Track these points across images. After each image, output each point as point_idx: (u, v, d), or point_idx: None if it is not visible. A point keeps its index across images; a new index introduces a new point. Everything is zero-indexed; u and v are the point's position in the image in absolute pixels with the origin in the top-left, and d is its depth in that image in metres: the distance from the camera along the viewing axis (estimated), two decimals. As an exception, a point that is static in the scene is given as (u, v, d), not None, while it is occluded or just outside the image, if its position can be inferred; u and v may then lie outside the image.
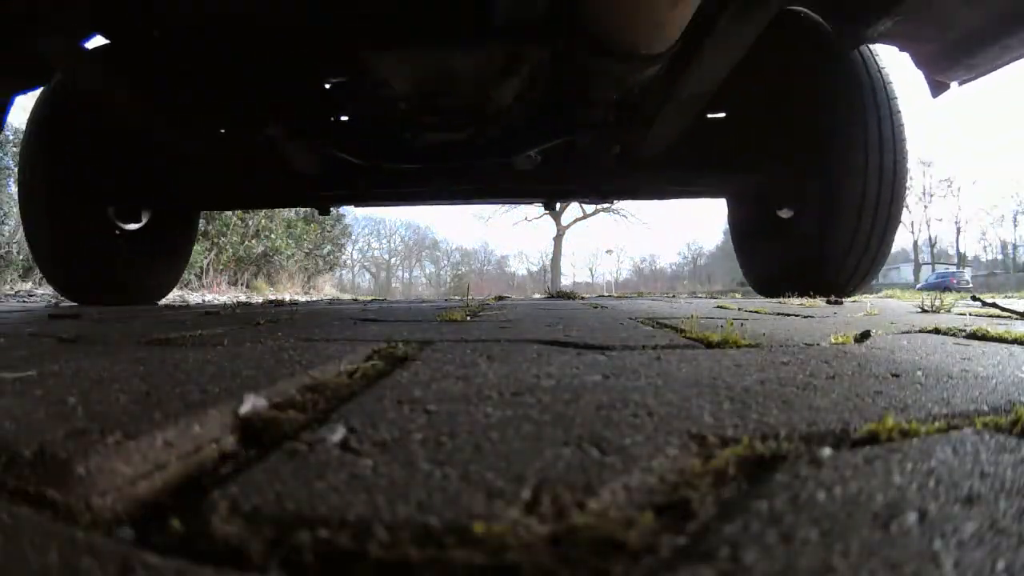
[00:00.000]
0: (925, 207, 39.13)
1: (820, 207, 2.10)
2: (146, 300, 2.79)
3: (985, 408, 0.54)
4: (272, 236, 7.68)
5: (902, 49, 1.81)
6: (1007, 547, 0.28)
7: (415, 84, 1.69)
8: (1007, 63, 1.53)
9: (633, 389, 0.62)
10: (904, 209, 2.17)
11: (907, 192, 2.09)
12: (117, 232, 2.41)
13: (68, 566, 0.27)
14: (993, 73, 1.55)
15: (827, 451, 0.42)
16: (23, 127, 2.30)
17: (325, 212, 2.98)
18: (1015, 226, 38.46)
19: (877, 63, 2.11)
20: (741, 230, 2.59)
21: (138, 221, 2.47)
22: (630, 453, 0.41)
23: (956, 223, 39.19)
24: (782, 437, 0.45)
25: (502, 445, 0.43)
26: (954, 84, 1.65)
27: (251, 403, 0.53)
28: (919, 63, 1.65)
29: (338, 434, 0.45)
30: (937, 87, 1.68)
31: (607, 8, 1.27)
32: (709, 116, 2.08)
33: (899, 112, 2.07)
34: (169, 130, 2.07)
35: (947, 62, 1.56)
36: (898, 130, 2.03)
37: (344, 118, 2.20)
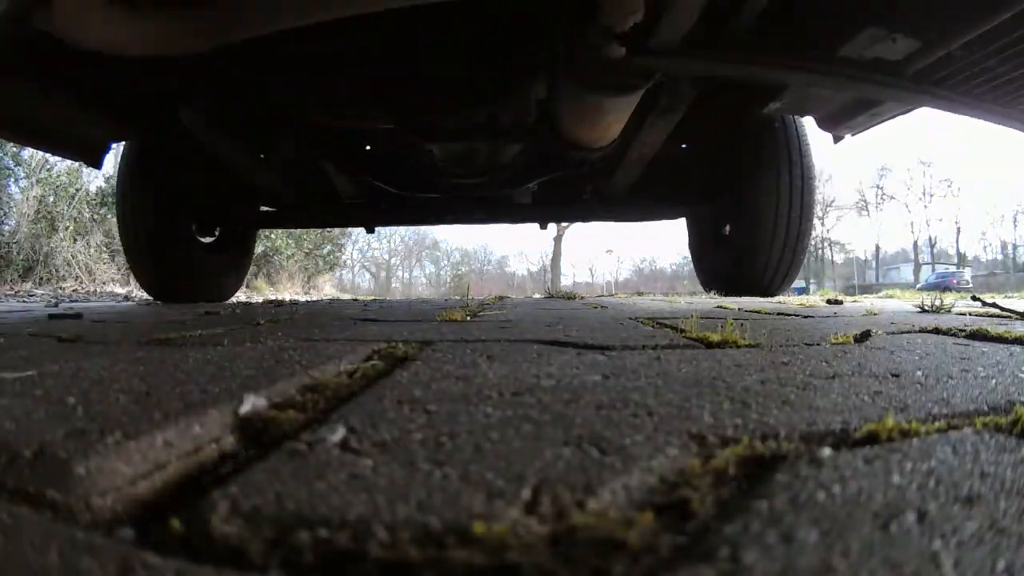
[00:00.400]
0: (925, 207, 39.14)
1: (748, 227, 2.74)
2: (219, 299, 3.29)
3: (985, 408, 0.54)
4: (272, 236, 7.68)
5: (801, 116, 2.46)
6: (1007, 547, 0.28)
7: (447, 155, 2.48)
8: (881, 122, 2.07)
9: (633, 389, 0.62)
10: (812, 223, 2.81)
11: (814, 218, 2.78)
12: (197, 245, 3.00)
13: (68, 566, 0.27)
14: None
15: (827, 451, 0.42)
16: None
17: (371, 231, 3.73)
18: (1015, 226, 38.46)
19: (794, 120, 2.71)
20: (694, 241, 3.44)
21: (212, 236, 3.08)
22: (630, 453, 0.41)
23: (956, 223, 39.21)
24: (782, 437, 0.45)
25: (502, 445, 0.43)
26: (848, 135, 2.21)
27: (251, 403, 0.53)
28: (817, 123, 2.23)
29: (338, 434, 0.45)
30: (835, 138, 2.24)
31: (570, 123, 1.97)
32: (663, 160, 2.69)
33: (809, 156, 2.68)
34: (251, 169, 2.58)
35: (834, 124, 2.12)
36: (807, 171, 2.67)
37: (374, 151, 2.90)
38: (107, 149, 2.39)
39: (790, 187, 2.56)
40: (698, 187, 3.02)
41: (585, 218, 3.22)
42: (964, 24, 1.04)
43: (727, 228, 2.97)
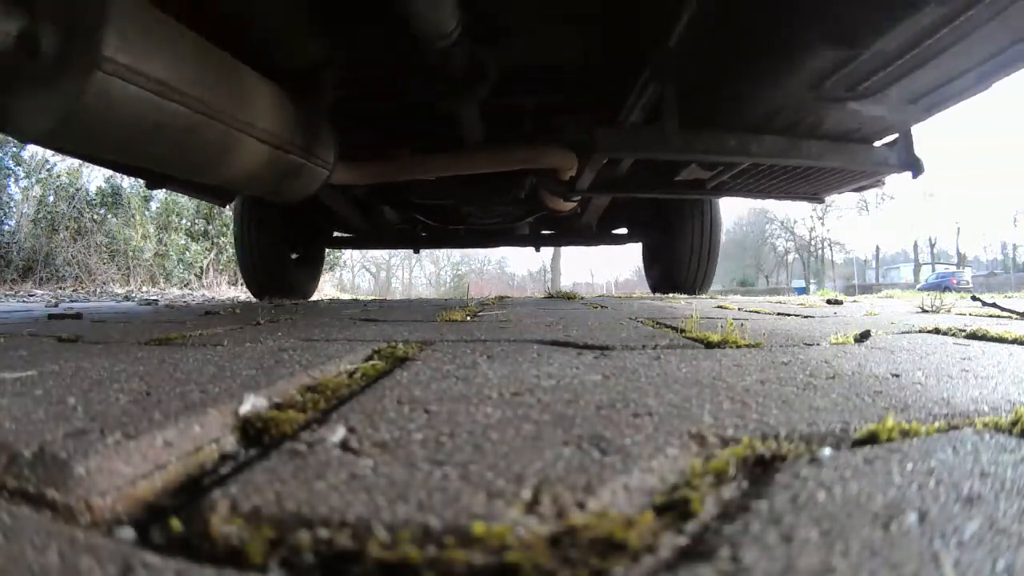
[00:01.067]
0: (925, 207, 39.16)
1: (674, 252, 3.99)
2: (302, 297, 4.38)
3: (985, 408, 0.54)
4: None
5: None
6: (1007, 547, 0.28)
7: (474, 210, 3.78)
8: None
9: (633, 389, 0.62)
10: (717, 249, 4.04)
11: (721, 245, 3.98)
12: (289, 260, 4.18)
13: (68, 566, 0.27)
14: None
15: (827, 451, 0.42)
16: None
17: (417, 251, 5.05)
18: (1015, 226, 38.46)
19: None
20: (645, 257, 4.69)
21: (298, 253, 4.27)
22: (630, 453, 0.41)
23: (956, 223, 39.22)
24: (782, 437, 0.45)
25: (502, 445, 0.43)
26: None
27: (251, 403, 0.53)
28: None
29: (338, 434, 0.45)
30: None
31: (546, 201, 3.18)
32: (622, 203, 3.97)
33: (716, 208, 3.87)
34: (349, 216, 3.64)
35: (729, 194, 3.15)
36: (714, 217, 3.86)
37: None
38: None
39: (701, 227, 3.85)
40: (645, 223, 4.26)
41: (566, 244, 4.78)
42: (732, 162, 2.04)
43: (663, 250, 4.24)
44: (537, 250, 4.85)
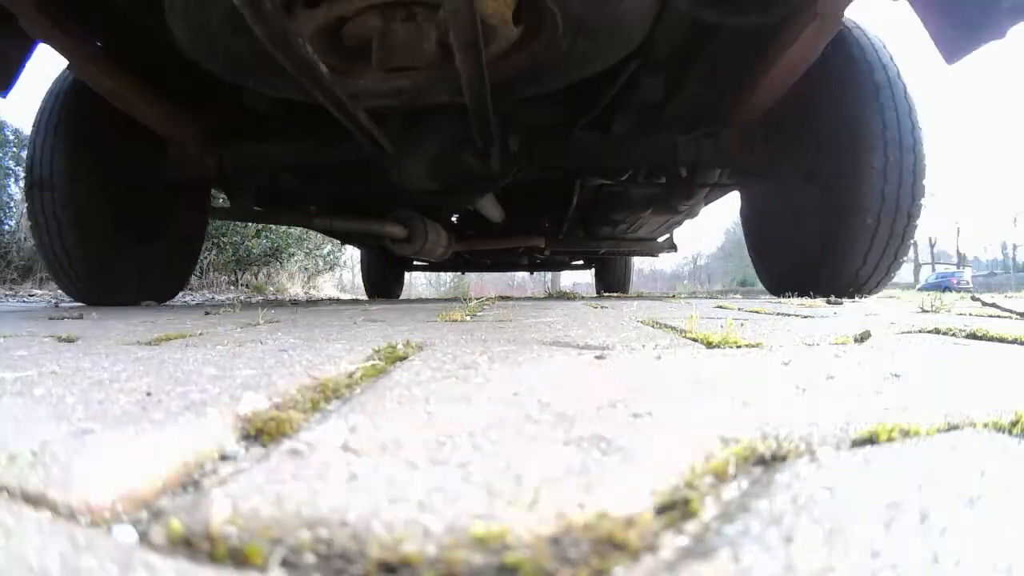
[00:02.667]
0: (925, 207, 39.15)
1: (608, 273, 6.96)
2: (394, 297, 6.29)
3: (985, 408, 0.54)
4: (272, 236, 7.69)
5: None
6: (1008, 548, 0.28)
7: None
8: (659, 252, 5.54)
9: (633, 389, 0.62)
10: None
11: None
12: (391, 274, 6.67)
13: (68, 566, 0.27)
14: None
15: (827, 451, 0.42)
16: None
17: (463, 273, 8.42)
18: (1015, 226, 38.43)
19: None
20: (595, 275, 7.39)
21: (395, 272, 6.78)
22: (630, 453, 0.41)
23: (956, 223, 39.19)
24: (782, 437, 0.45)
25: (502, 445, 0.43)
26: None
27: (251, 403, 0.53)
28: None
29: (338, 434, 0.45)
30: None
31: (534, 253, 5.21)
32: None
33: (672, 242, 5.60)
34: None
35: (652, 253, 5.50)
36: (629, 259, 6.94)
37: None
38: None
39: (624, 263, 6.77)
40: (592, 261, 6.73)
41: (548, 270, 7.60)
42: (607, 249, 4.88)
43: (603, 273, 7.11)
44: (531, 273, 8.27)
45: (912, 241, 2.10)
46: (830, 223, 1.97)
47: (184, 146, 2.23)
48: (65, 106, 2.06)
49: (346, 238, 4.73)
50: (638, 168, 2.46)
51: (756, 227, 2.49)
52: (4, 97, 2.06)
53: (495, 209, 3.29)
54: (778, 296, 2.32)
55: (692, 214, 3.50)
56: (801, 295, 2.16)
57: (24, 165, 2.58)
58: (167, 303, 3.18)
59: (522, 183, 2.49)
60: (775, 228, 2.31)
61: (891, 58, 1.95)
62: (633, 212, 3.63)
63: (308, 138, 2.14)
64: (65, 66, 1.97)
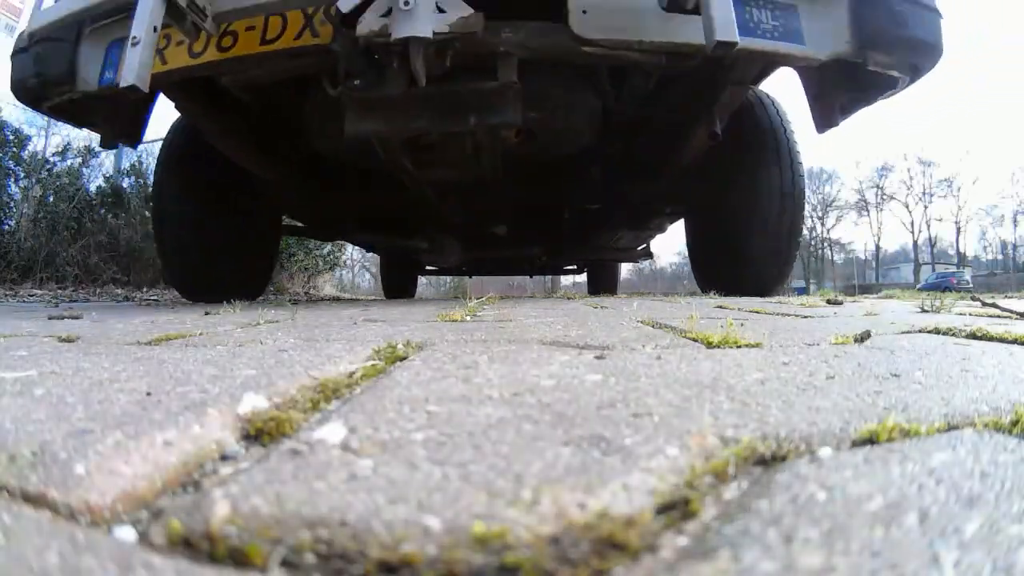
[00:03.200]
0: (925, 207, 39.12)
1: (600, 275, 7.54)
2: (409, 297, 6.78)
3: (985, 408, 0.54)
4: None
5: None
6: (1008, 548, 0.28)
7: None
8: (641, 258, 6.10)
9: (633, 389, 0.61)
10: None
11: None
12: (407, 279, 7.24)
13: (68, 566, 0.27)
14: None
15: (827, 451, 0.42)
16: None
17: (471, 276, 8.06)
18: (1015, 226, 38.44)
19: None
20: (588, 278, 8.03)
21: (411, 276, 7.41)
22: (630, 453, 0.41)
23: (956, 223, 39.19)
24: (782, 437, 0.45)
25: (502, 445, 0.43)
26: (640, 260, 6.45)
27: (251, 403, 0.53)
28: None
29: (338, 434, 0.45)
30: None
31: (535, 261, 5.79)
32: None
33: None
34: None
35: (631, 257, 6.15)
36: (616, 266, 7.78)
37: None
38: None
39: (613, 268, 7.55)
40: (585, 266, 7.32)
41: (546, 275, 8.32)
42: (594, 257, 5.90)
43: (596, 277, 7.71)
44: (531, 277, 8.34)
45: (796, 254, 2.73)
46: (740, 242, 2.58)
47: (278, 186, 2.82)
48: (176, 154, 2.64)
49: (373, 248, 5.64)
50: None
51: (692, 244, 3.18)
52: (134, 149, 2.84)
53: (501, 226, 3.91)
54: (704, 293, 2.93)
55: (661, 230, 4.61)
56: (726, 294, 2.62)
57: (151, 193, 3.30)
58: (169, 304, 3.18)
59: (524, 205, 3.17)
60: (704, 245, 2.98)
61: (786, 120, 2.51)
62: (611, 230, 4.24)
63: (371, 188, 2.86)
64: (174, 121, 2.66)
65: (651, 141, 2.60)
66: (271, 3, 1.53)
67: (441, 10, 1.43)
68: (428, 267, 6.48)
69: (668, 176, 2.70)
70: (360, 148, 2.11)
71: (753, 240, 2.49)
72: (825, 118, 2.05)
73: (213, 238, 2.68)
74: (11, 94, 2.13)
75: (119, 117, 2.16)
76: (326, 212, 3.24)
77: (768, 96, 2.52)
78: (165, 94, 2.12)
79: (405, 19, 1.39)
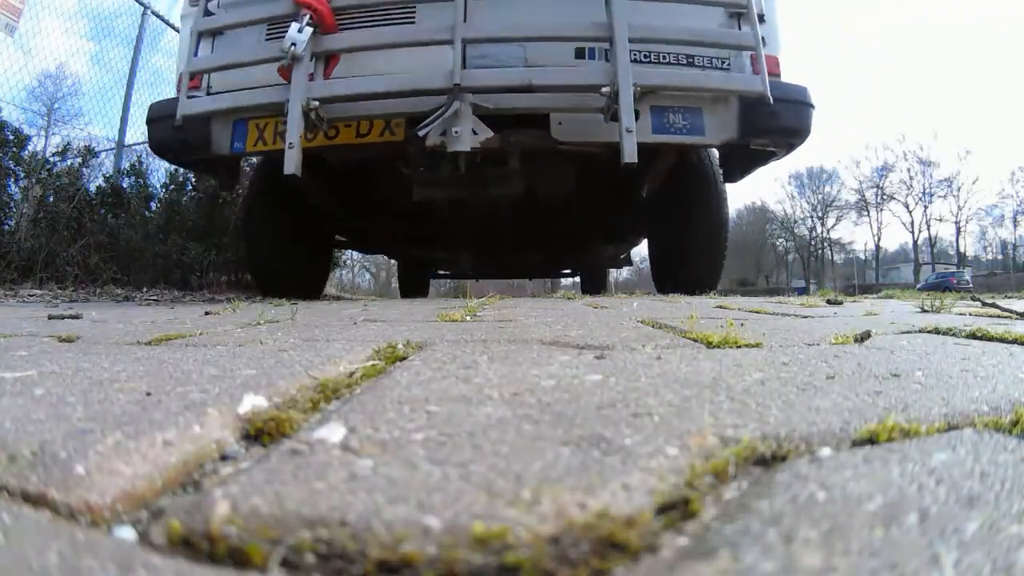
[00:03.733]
0: (925, 207, 39.11)
1: (592, 279, 7.87)
2: (423, 295, 6.81)
3: (985, 408, 0.54)
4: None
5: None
6: (1008, 548, 0.28)
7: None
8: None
9: (633, 389, 0.61)
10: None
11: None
12: (422, 279, 7.40)
13: (68, 566, 0.27)
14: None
15: (827, 451, 0.42)
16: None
17: (477, 279, 8.26)
18: (1015, 226, 38.42)
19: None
20: (582, 281, 8.40)
21: (427, 277, 7.50)
22: (630, 453, 0.41)
23: (956, 223, 39.17)
24: (782, 437, 0.45)
25: (502, 445, 0.43)
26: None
27: (251, 403, 0.53)
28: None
29: (338, 434, 0.45)
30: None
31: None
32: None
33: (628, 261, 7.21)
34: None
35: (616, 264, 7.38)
36: (606, 272, 8.26)
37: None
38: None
39: (604, 273, 8.16)
40: (579, 272, 7.76)
41: (540, 278, 9.06)
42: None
43: (587, 281, 8.08)
44: (530, 280, 9.22)
45: (723, 263, 3.48)
46: (686, 257, 3.38)
47: (338, 214, 3.66)
48: (260, 190, 3.40)
49: (396, 255, 6.73)
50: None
51: (651, 256, 3.99)
52: (230, 193, 4.58)
53: (508, 240, 4.62)
54: (661, 292, 3.58)
55: (635, 244, 5.69)
56: (682, 293, 3.17)
57: (242, 216, 4.12)
58: (169, 304, 3.18)
59: (527, 221, 3.80)
60: (660, 257, 3.76)
61: (717, 169, 3.20)
62: (595, 245, 5.21)
63: (404, 219, 3.77)
64: (257, 163, 3.51)
65: (610, 191, 3.52)
66: (364, 114, 2.36)
67: (475, 133, 2.22)
68: (440, 271, 7.43)
69: (626, 212, 3.81)
70: (418, 203, 3.04)
71: (696, 255, 3.33)
72: (730, 175, 3.10)
73: (286, 251, 3.44)
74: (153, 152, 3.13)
75: (234, 171, 3.17)
76: (369, 233, 4.35)
77: (708, 154, 3.23)
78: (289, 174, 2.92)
79: (454, 140, 2.22)
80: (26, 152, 5.21)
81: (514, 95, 2.31)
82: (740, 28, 2.34)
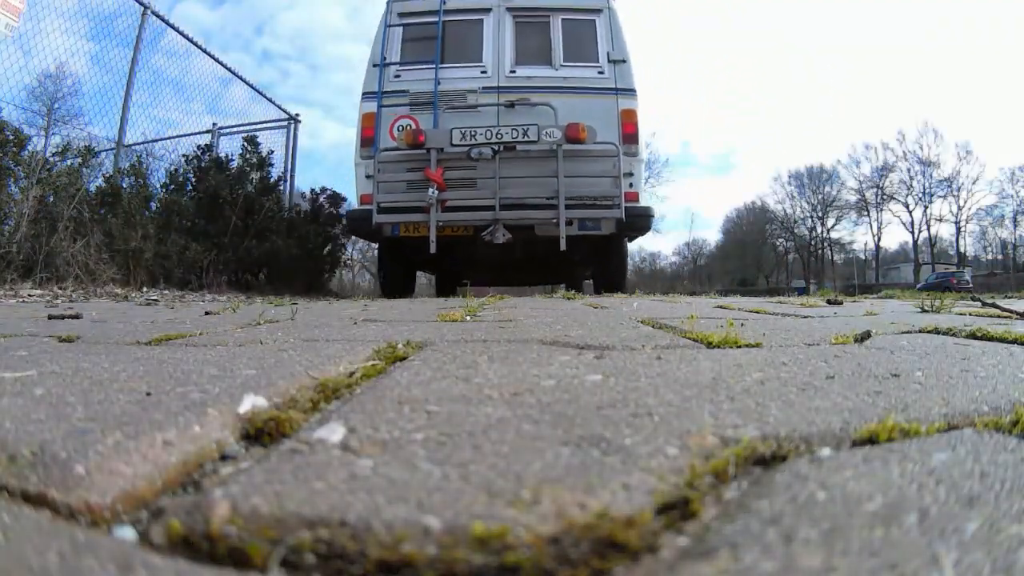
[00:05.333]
0: (925, 207, 39.11)
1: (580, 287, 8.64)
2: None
3: (985, 408, 0.54)
4: (273, 237, 7.72)
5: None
6: (1008, 548, 0.28)
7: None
8: None
9: (633, 389, 0.61)
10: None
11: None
12: (450, 286, 7.56)
13: (68, 566, 0.27)
14: None
15: (827, 451, 0.42)
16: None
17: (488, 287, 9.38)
18: (1015, 226, 38.42)
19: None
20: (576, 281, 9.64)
21: (451, 285, 7.76)
22: (630, 453, 0.41)
23: (956, 223, 39.17)
24: (782, 437, 0.45)
25: (502, 445, 0.43)
26: None
27: (251, 403, 0.53)
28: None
29: (338, 434, 0.45)
30: None
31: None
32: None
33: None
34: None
35: None
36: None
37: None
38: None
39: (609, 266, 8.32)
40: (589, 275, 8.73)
41: (537, 286, 9.29)
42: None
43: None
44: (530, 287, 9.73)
45: (625, 279, 5.61)
46: (606, 275, 5.45)
47: (423, 257, 5.30)
48: (387, 246, 5.36)
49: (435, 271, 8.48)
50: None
51: (594, 275, 5.94)
52: (374, 244, 7.02)
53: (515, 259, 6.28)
54: (597, 293, 5.08)
55: (589, 271, 6.99)
56: (607, 293, 4.58)
57: (377, 259, 6.50)
58: (169, 304, 3.19)
59: (526, 263, 5.82)
60: (597, 276, 5.85)
61: (621, 235, 5.18)
62: (568, 270, 7.31)
63: (463, 259, 5.65)
64: (383, 233, 5.01)
65: (569, 250, 4.95)
66: (460, 224, 4.62)
67: (506, 235, 4.39)
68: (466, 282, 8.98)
69: (579, 258, 5.43)
70: (472, 255, 5.28)
71: (612, 276, 5.37)
72: (623, 240, 5.31)
73: (397, 275, 5.61)
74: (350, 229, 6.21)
75: (385, 237, 5.03)
76: (430, 264, 6.58)
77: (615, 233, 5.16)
78: (406, 239, 4.89)
79: (495, 238, 4.41)
80: (26, 152, 5.21)
81: (518, 221, 4.63)
82: (620, 184, 4.54)
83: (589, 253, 5.31)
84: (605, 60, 4.92)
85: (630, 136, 4.80)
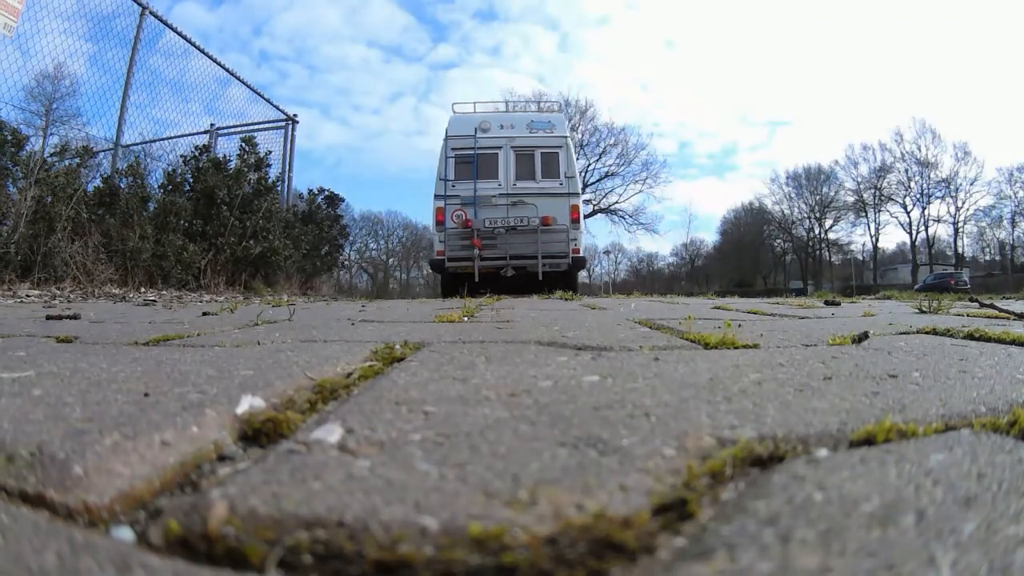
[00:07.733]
0: (923, 208, 39.18)
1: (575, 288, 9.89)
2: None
3: (983, 409, 0.54)
4: (270, 237, 7.73)
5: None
6: (1005, 549, 0.28)
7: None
8: None
9: (630, 390, 0.62)
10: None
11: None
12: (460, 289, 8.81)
13: (67, 566, 0.27)
14: None
15: (824, 452, 0.42)
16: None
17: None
18: (1013, 227, 38.50)
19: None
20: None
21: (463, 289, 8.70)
22: (627, 454, 0.41)
23: (954, 224, 39.24)
24: (779, 438, 0.45)
25: (499, 446, 0.43)
26: None
27: (249, 403, 0.53)
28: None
29: (336, 434, 0.45)
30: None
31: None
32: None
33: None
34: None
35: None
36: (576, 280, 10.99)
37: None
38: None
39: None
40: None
41: (534, 292, 11.05)
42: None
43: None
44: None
45: (577, 286, 8.46)
46: (566, 285, 7.33)
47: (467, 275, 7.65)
48: (447, 273, 7.93)
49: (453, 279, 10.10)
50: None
51: (559, 288, 6.79)
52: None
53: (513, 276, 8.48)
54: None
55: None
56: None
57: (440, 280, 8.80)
58: (167, 305, 3.18)
59: (524, 281, 7.92)
60: (557, 279, 7.69)
61: (575, 266, 8.23)
62: (551, 285, 8.54)
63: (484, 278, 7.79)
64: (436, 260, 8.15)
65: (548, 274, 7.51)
66: (490, 268, 7.68)
67: (512, 272, 7.61)
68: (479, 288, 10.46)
69: (550, 281, 7.23)
70: (496, 281, 7.66)
71: (573, 284, 7.67)
72: (575, 271, 8.15)
73: (449, 287, 7.48)
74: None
75: (444, 270, 7.93)
76: (473, 279, 7.72)
77: (571, 267, 7.87)
78: (460, 273, 7.67)
79: (507, 272, 7.61)
80: (24, 152, 5.20)
81: (518, 265, 7.41)
82: (569, 246, 7.52)
83: (555, 278, 8.00)
84: (564, 176, 8.12)
85: (575, 221, 7.90)
